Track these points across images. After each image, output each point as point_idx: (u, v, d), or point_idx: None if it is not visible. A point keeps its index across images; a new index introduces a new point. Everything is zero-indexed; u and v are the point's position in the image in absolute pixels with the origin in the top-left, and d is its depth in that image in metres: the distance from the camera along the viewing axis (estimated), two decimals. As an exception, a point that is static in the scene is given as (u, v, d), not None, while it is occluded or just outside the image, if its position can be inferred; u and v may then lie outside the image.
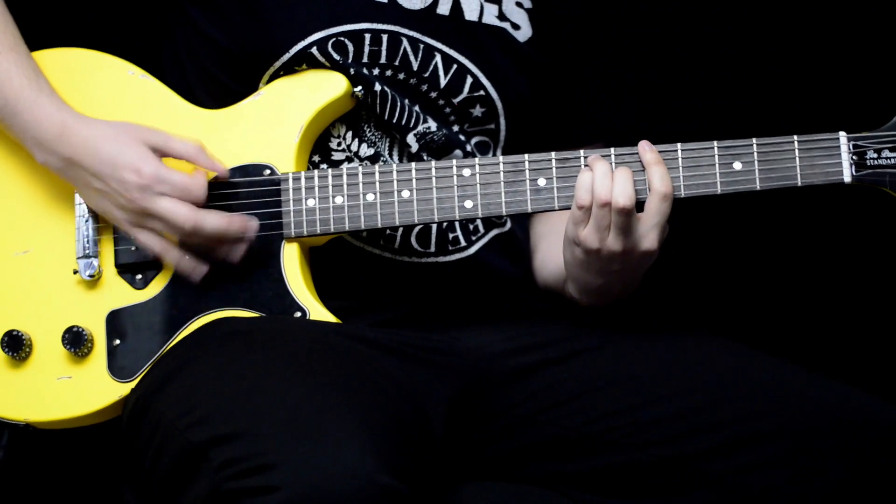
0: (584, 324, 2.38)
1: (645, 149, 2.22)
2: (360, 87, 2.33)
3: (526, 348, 2.33)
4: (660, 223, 2.21)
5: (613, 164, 2.23)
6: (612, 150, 2.24)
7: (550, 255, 2.48)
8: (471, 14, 2.41)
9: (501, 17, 2.43)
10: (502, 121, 2.43)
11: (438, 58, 2.38)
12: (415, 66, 2.37)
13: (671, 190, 2.20)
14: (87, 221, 2.31)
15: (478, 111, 2.41)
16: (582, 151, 2.24)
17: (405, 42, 2.36)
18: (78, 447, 2.77)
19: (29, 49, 2.35)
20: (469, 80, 2.39)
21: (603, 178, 2.20)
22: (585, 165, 2.23)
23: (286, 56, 2.32)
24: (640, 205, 2.21)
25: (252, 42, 2.34)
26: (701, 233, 3.04)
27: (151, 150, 2.24)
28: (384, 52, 2.35)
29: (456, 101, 2.39)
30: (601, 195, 2.19)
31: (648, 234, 2.21)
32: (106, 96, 2.36)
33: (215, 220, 2.22)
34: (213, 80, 2.38)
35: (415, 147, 2.37)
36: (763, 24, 3.19)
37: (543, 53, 2.45)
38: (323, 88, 2.33)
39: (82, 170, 2.25)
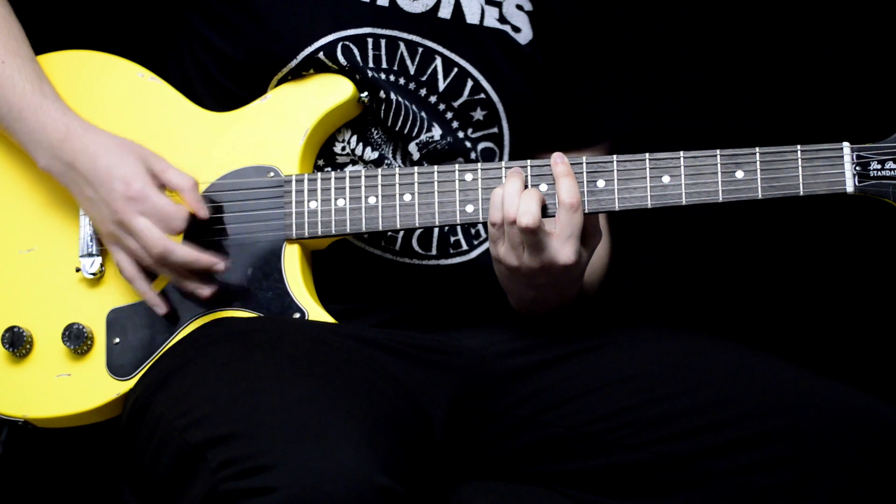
0: (585, 324, 2.38)
1: (556, 161, 2.22)
2: (366, 93, 2.33)
3: (526, 348, 2.33)
4: (573, 235, 2.19)
5: (529, 176, 2.23)
6: (529, 161, 2.24)
7: None
8: (472, 17, 2.41)
9: (502, 19, 2.43)
10: (505, 123, 2.43)
11: (438, 61, 2.39)
12: (412, 70, 2.37)
13: (578, 201, 2.19)
14: (90, 220, 2.32)
15: (479, 114, 2.41)
16: (584, 158, 2.24)
17: (402, 46, 2.37)
18: (78, 447, 2.78)
19: (35, 52, 2.36)
20: (469, 83, 2.40)
21: (511, 196, 2.19)
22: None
23: (294, 62, 2.33)
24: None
25: (258, 50, 2.34)
26: (703, 235, 3.05)
27: (148, 171, 2.25)
28: (384, 57, 2.36)
29: (456, 104, 2.40)
30: (509, 213, 2.18)
31: (563, 248, 2.19)
32: (115, 98, 2.37)
33: (185, 252, 2.22)
34: (219, 87, 2.39)
35: (416, 156, 2.37)
36: (766, 25, 3.19)
37: (544, 55, 2.45)
38: (329, 93, 2.33)
39: (79, 176, 2.26)
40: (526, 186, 2.23)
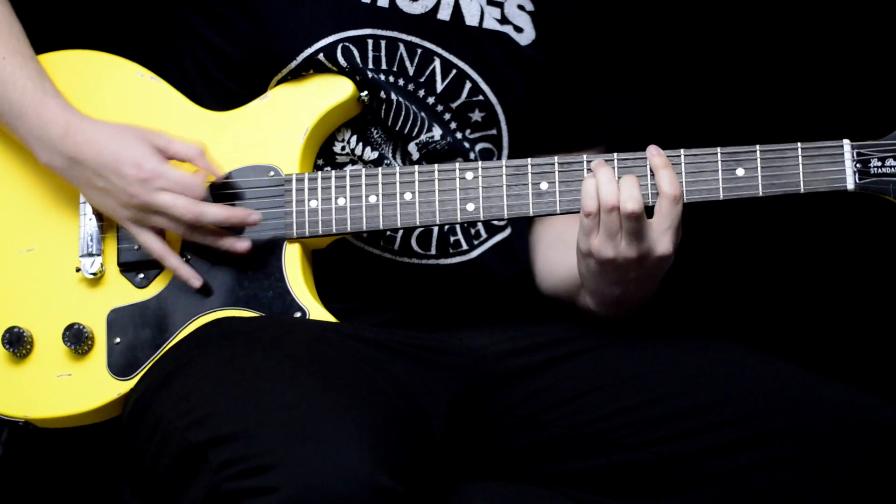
0: (585, 324, 2.38)
1: (653, 153, 2.22)
2: (365, 92, 2.33)
3: (527, 348, 2.33)
4: (672, 226, 2.20)
5: (616, 168, 2.23)
6: (616, 154, 2.24)
7: (557, 263, 2.47)
8: (471, 19, 2.41)
9: (503, 20, 2.43)
10: (504, 126, 2.43)
11: (437, 62, 2.39)
12: (410, 70, 2.37)
13: (680, 192, 2.20)
14: (90, 220, 2.32)
15: (477, 115, 2.41)
16: (585, 156, 2.24)
17: (402, 47, 2.37)
18: (78, 447, 2.77)
19: (35, 52, 2.36)
20: (468, 84, 2.40)
21: (608, 183, 2.19)
22: (589, 171, 2.23)
23: (293, 63, 2.33)
24: (647, 210, 2.21)
25: (258, 51, 2.35)
26: (703, 235, 3.04)
27: (154, 149, 2.25)
28: (384, 58, 2.36)
29: (454, 105, 2.40)
30: (608, 200, 2.18)
31: (662, 238, 2.20)
32: (114, 98, 2.37)
33: (216, 210, 2.24)
34: (219, 86, 2.39)
35: (416, 156, 2.37)
36: (766, 25, 3.20)
37: (546, 56, 2.45)
38: (329, 92, 2.33)
39: (86, 168, 2.26)
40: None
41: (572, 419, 2.27)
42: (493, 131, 2.44)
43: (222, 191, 2.30)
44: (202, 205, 2.24)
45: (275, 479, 1.88)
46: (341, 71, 2.33)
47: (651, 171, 2.22)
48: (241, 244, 2.26)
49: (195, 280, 2.27)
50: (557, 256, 2.48)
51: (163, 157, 2.25)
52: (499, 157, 2.45)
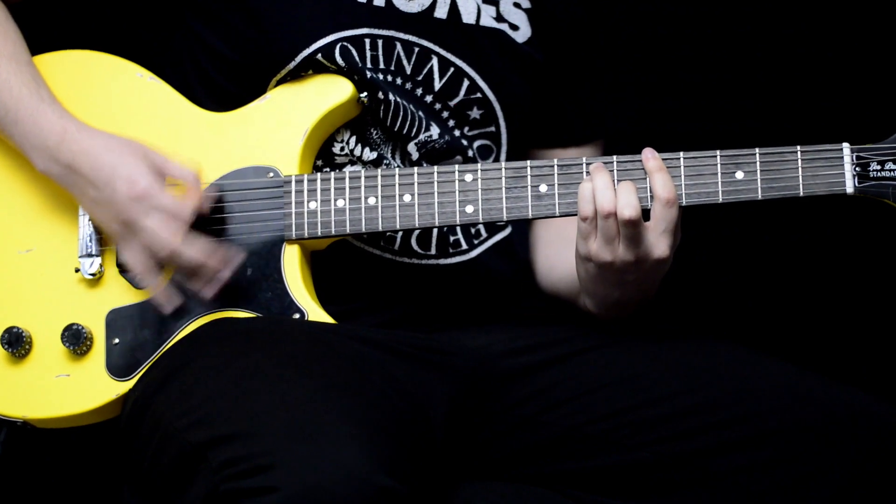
0: (586, 324, 2.38)
1: (648, 156, 2.22)
2: (365, 94, 2.33)
3: (527, 348, 2.33)
4: (668, 230, 2.20)
5: (615, 172, 2.23)
6: (615, 157, 2.24)
7: (558, 261, 2.48)
8: (468, 17, 2.41)
9: (499, 18, 2.43)
10: (502, 122, 2.43)
11: (435, 61, 2.39)
12: (408, 69, 2.37)
13: (674, 196, 2.19)
14: (89, 221, 2.31)
15: (475, 113, 2.41)
16: (584, 158, 2.24)
17: (399, 46, 2.37)
18: (78, 447, 2.77)
19: (34, 52, 2.36)
20: (466, 82, 2.40)
21: (605, 189, 2.19)
22: (587, 174, 2.23)
23: (292, 64, 2.33)
24: (645, 213, 2.21)
25: (257, 52, 2.34)
26: (701, 237, 3.04)
27: (150, 167, 2.25)
28: (381, 57, 2.36)
29: (452, 103, 2.40)
30: (605, 207, 2.18)
31: (658, 241, 2.20)
32: (113, 98, 2.36)
33: (196, 250, 2.22)
34: (218, 88, 2.39)
35: (415, 156, 2.37)
36: (766, 25, 3.20)
37: (543, 53, 2.45)
38: (328, 93, 2.33)
39: (80, 177, 2.25)
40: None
41: (572, 419, 2.27)
42: (492, 128, 2.44)
43: (220, 192, 2.29)
44: (182, 244, 2.21)
45: (274, 478, 1.89)
46: (340, 70, 2.33)
47: (646, 173, 2.22)
48: (208, 292, 2.24)
49: (167, 306, 2.26)
50: (558, 254, 2.48)
51: (158, 176, 2.24)
52: (498, 154, 2.45)
